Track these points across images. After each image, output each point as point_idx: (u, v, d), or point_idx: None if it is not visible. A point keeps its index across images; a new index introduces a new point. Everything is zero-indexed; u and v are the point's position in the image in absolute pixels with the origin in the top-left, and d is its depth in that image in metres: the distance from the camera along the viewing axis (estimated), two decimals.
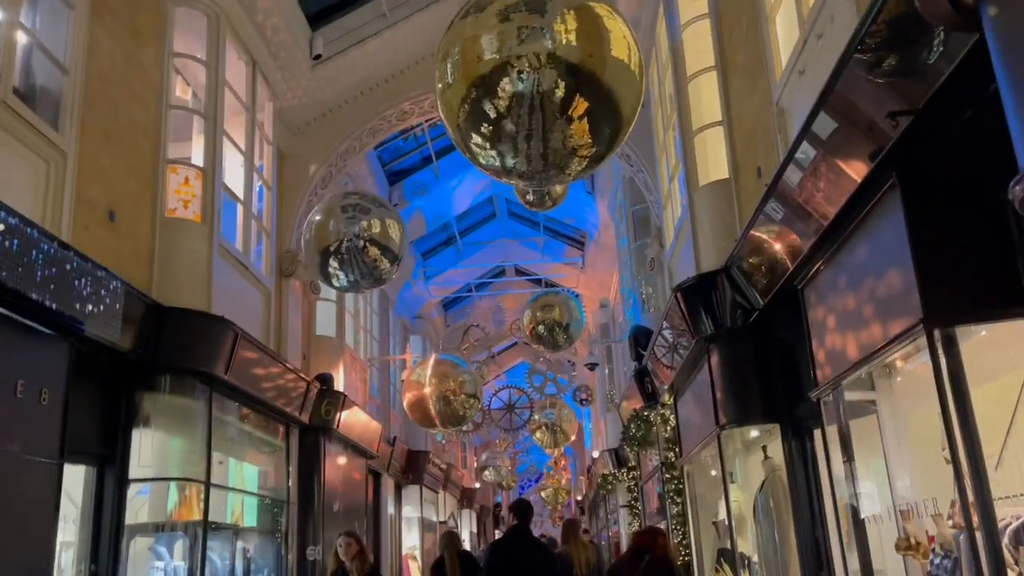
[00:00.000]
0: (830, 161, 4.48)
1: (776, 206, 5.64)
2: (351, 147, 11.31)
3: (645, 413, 11.01)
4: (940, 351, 3.74)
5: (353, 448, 12.64)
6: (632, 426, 11.96)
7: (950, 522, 4.26)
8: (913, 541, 4.90)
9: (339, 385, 11.53)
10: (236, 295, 8.11)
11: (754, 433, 7.56)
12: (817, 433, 6.42)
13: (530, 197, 8.99)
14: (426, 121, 13.86)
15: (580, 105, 2.99)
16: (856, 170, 4.20)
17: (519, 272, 20.49)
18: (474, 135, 3.11)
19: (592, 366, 14.69)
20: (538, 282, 21.47)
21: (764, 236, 5.99)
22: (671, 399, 9.96)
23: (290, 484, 9.63)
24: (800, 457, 6.48)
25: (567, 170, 3.22)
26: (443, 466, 21.05)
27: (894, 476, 5.07)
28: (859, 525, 5.12)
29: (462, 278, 19.52)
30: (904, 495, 5.03)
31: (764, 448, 7.15)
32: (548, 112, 2.96)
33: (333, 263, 7.33)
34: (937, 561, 4.46)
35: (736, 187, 7.07)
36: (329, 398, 10.91)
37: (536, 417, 21.11)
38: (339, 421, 11.09)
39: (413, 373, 12.06)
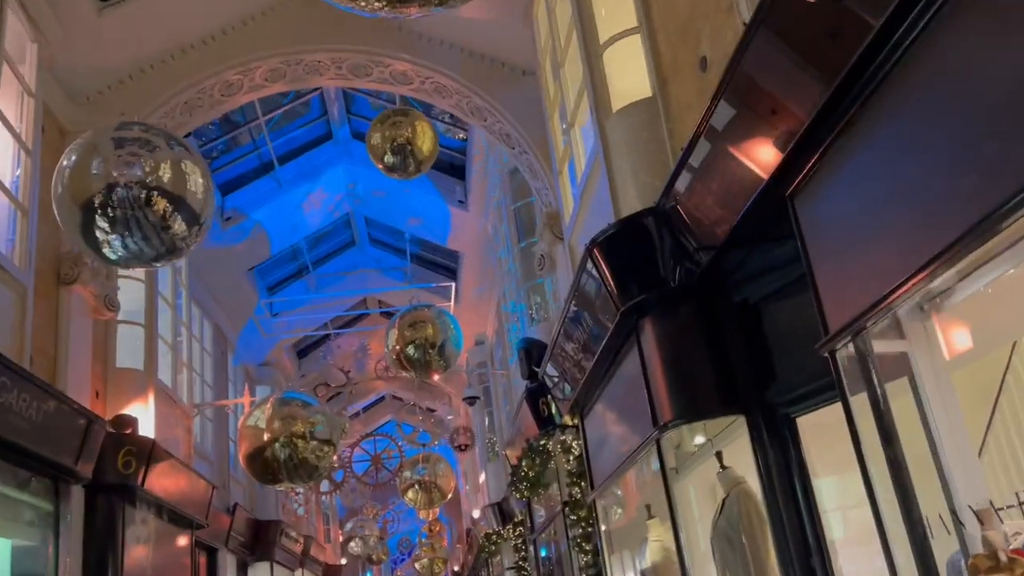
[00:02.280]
0: None
1: (745, 84, 3.88)
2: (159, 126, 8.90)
3: (541, 443, 8.97)
4: None
5: (172, 516, 9.85)
6: (524, 463, 9.86)
7: None
8: (1003, 557, 3.09)
9: (147, 431, 8.85)
10: None
11: (698, 439, 5.67)
12: (803, 421, 4.60)
13: (389, 159, 6.92)
14: (264, 116, 11.64)
15: None
16: None
17: (383, 305, 18.22)
18: None
19: (471, 400, 12.60)
20: None
21: (723, 139, 4.20)
22: (575, 419, 7.98)
23: (65, 565, 6.89)
24: (779, 457, 4.61)
25: None
26: (300, 539, 18.07)
27: (951, 464, 3.29)
28: (920, 542, 3.25)
29: (317, 316, 17.03)
30: (969, 489, 3.27)
31: (718, 455, 5.26)
32: None
33: (101, 222, 4.95)
34: None
35: (664, 101, 5.30)
36: (131, 446, 8.24)
37: (407, 474, 18.62)
38: (145, 478, 8.40)
39: (250, 416, 9.48)
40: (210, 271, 12.96)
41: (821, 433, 4.64)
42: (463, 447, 15.94)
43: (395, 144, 6.84)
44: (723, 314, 4.90)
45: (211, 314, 13.74)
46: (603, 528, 7.43)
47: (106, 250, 5.15)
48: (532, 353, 9.27)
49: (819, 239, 3.68)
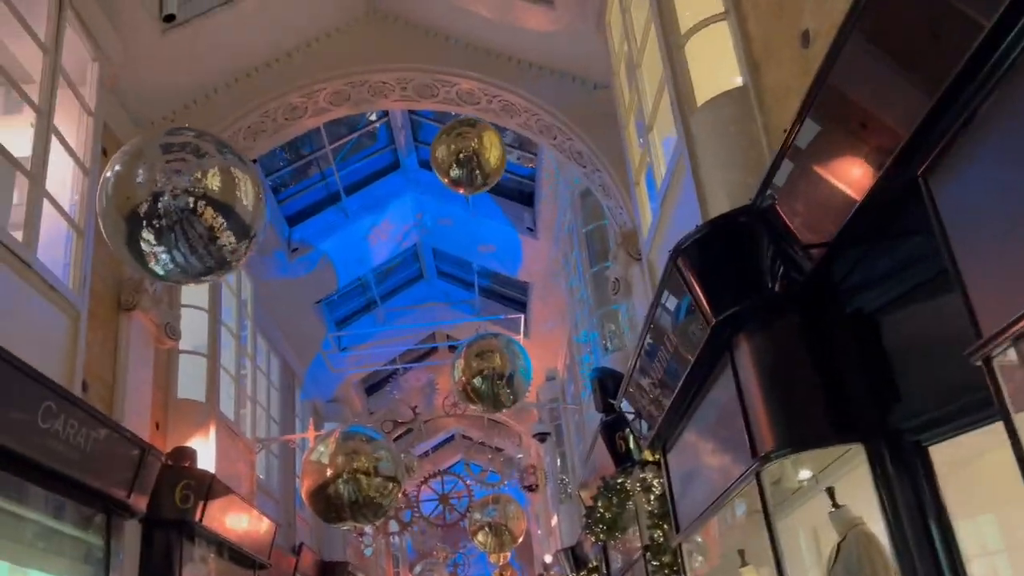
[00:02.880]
0: None
1: (864, 46, 3.31)
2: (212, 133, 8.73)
3: (619, 481, 8.29)
4: None
5: (232, 554, 9.48)
6: (600, 504, 9.18)
7: None
8: None
9: (207, 465, 8.53)
10: (5, 298, 5.30)
11: (803, 474, 4.97)
12: (936, 450, 3.89)
13: (455, 173, 6.50)
14: (331, 145, 11.46)
15: None
16: None
17: (451, 339, 17.81)
18: None
19: (542, 436, 11.96)
20: None
21: (835, 117, 3.62)
22: (657, 454, 7.31)
23: None
24: (909, 492, 3.89)
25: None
26: None
27: None
28: None
29: (384, 351, 16.71)
30: None
31: (830, 492, 4.56)
32: None
33: (147, 234, 4.63)
34: None
35: (757, 89, 4.73)
36: (189, 479, 7.90)
37: (477, 516, 17.98)
38: (204, 513, 8.04)
39: (313, 452, 9.10)
40: (277, 304, 12.77)
41: (959, 465, 3.92)
42: (533, 487, 15.26)
43: (461, 156, 6.43)
44: (834, 325, 4.24)
45: (278, 347, 13.53)
46: None
47: (153, 264, 4.82)
48: (607, 384, 8.66)
49: (964, 225, 3.04)
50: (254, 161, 10.24)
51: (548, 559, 20.48)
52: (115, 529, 6.58)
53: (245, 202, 4.79)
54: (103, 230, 4.72)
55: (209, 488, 8.10)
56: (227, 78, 8.63)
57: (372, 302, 16.00)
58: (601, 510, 9.31)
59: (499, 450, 22.97)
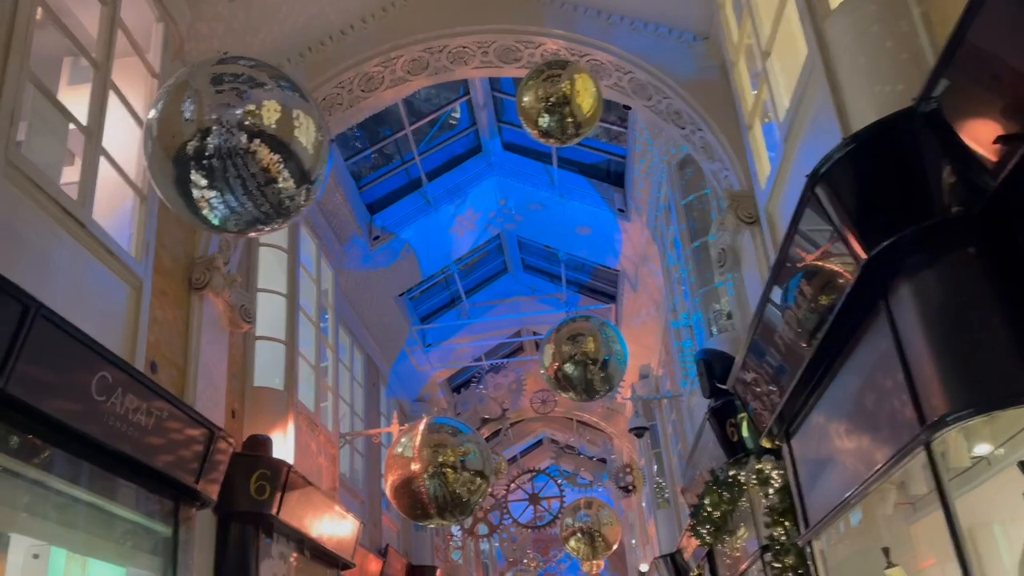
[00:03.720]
0: None
1: None
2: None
3: (730, 474, 7.41)
4: None
5: (314, 552, 8.99)
6: (707, 501, 8.29)
7: None
8: None
9: (285, 456, 8.06)
10: (56, 263, 4.87)
11: (979, 448, 4.05)
12: None
13: (545, 122, 5.80)
14: (411, 126, 10.97)
15: None
16: None
17: (536, 335, 17.11)
18: None
19: (639, 431, 11.10)
20: None
21: None
22: (779, 440, 6.42)
23: None
24: None
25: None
26: None
27: None
28: None
29: (469, 349, 16.14)
30: None
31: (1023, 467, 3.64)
32: None
33: (197, 176, 4.13)
34: None
35: None
36: (264, 469, 7.43)
37: (569, 521, 17.17)
38: (280, 506, 7.55)
39: (397, 445, 8.56)
40: (359, 296, 12.36)
41: None
42: (629, 488, 14.35)
43: (551, 102, 5.73)
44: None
45: (362, 342, 13.12)
46: None
47: (206, 211, 4.30)
48: (714, 367, 7.79)
49: None
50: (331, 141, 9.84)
51: (644, 568, 19.48)
52: (184, 518, 6.11)
53: (305, 142, 4.23)
54: (150, 176, 4.22)
55: (286, 479, 7.60)
56: (299, 48, 8.19)
57: (456, 297, 15.46)
58: (709, 508, 8.42)
59: (589, 458, 22.12)
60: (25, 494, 4.71)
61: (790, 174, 5.35)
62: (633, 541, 24.13)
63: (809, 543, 5.84)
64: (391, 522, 13.85)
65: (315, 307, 10.04)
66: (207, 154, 4.11)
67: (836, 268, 4.04)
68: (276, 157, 4.20)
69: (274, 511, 7.46)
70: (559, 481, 15.02)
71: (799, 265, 4.53)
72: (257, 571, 7.36)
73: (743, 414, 7.18)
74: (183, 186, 4.19)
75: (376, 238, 11.76)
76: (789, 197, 5.33)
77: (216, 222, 4.33)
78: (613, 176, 11.89)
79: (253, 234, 4.58)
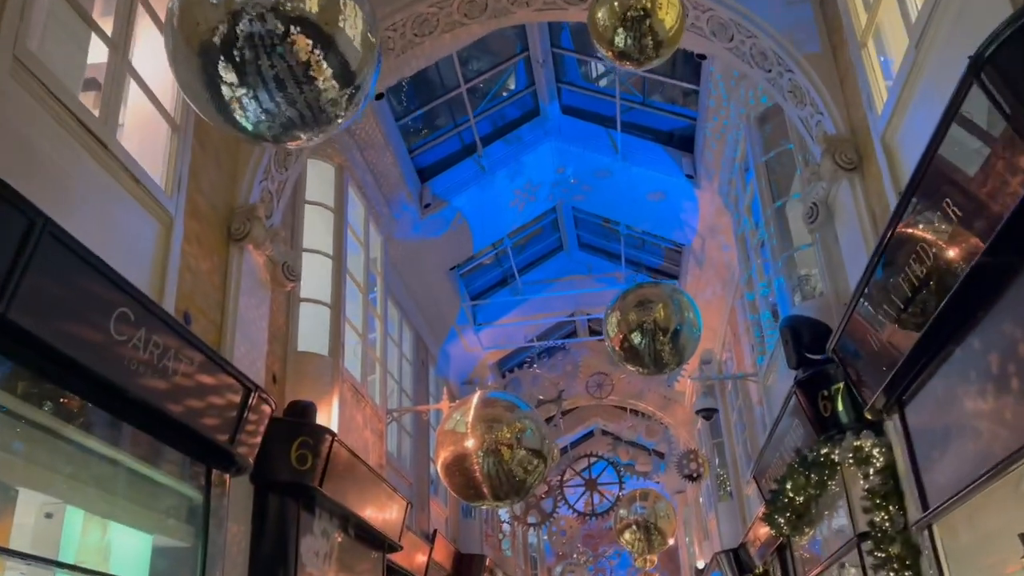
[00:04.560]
0: None
1: None
2: None
3: (822, 453, 6.59)
4: None
5: (359, 531, 8.41)
6: (789, 485, 7.47)
7: None
8: None
9: (328, 425, 7.48)
10: (72, 184, 4.31)
11: None
12: None
13: (620, 40, 5.07)
14: (465, 85, 10.31)
15: None
16: None
17: (593, 322, 16.36)
18: None
19: (708, 412, 10.26)
20: None
21: None
22: (884, 413, 5.61)
23: (220, 570, 5.48)
24: None
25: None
26: None
27: None
28: None
29: (522, 329, 15.45)
30: None
31: None
32: None
33: (226, 72, 3.50)
34: None
35: None
36: (306, 437, 6.85)
37: (623, 513, 16.39)
38: (323, 478, 6.97)
39: (448, 420, 7.93)
40: (409, 268, 11.76)
41: None
42: (693, 476, 13.51)
43: (628, 16, 5.01)
44: None
45: (411, 318, 12.53)
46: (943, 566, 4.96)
47: (238, 114, 3.67)
48: (802, 334, 6.99)
49: None
50: (379, 96, 9.24)
51: (701, 564, 18.62)
52: (216, 483, 5.53)
53: (351, 35, 3.58)
54: (173, 74, 3.61)
55: (330, 449, 7.01)
56: None
57: (509, 276, 14.79)
58: (790, 494, 7.60)
59: (645, 449, 21.26)
60: (34, 443, 4.17)
61: (918, 93, 4.55)
62: (686, 538, 23.23)
63: (929, 527, 5.03)
64: (439, 507, 13.26)
65: (363, 273, 9.46)
66: (237, 43, 3.48)
67: (999, 181, 3.25)
68: (316, 50, 3.56)
69: (316, 483, 6.88)
70: (619, 469, 14.21)
71: (941, 188, 3.74)
72: (297, 548, 6.80)
73: (838, 385, 6.38)
74: (211, 82, 3.57)
75: (427, 205, 11.14)
76: (918, 120, 4.53)
77: (248, 126, 3.70)
78: (678, 141, 11.08)
79: (291, 144, 3.92)
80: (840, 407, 6.36)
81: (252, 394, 5.63)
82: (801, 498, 7.53)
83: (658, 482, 17.51)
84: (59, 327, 3.81)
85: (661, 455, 19.28)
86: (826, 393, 6.45)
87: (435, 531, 12.21)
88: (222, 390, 5.31)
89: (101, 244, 4.32)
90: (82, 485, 4.54)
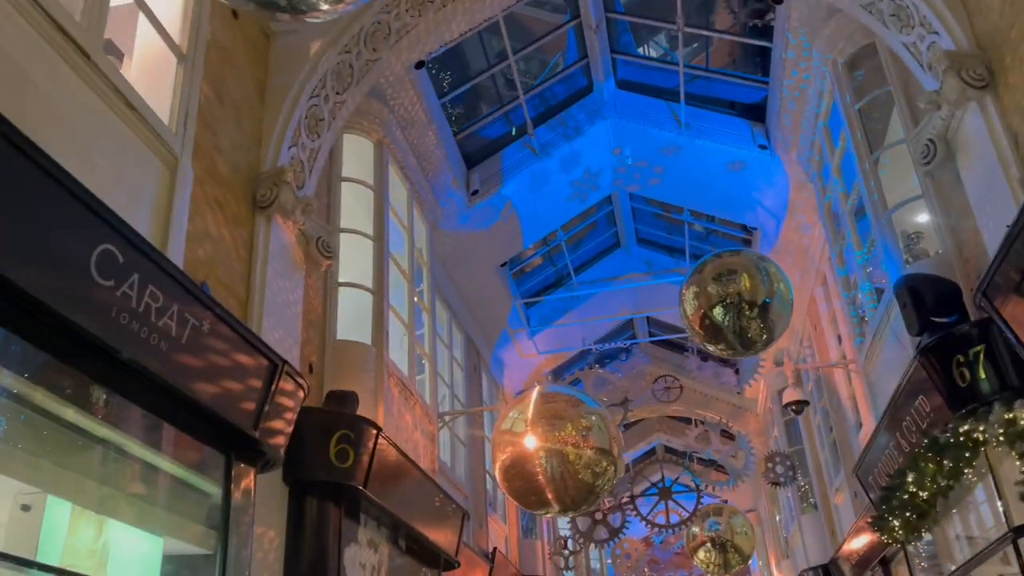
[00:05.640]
0: None
1: None
2: (384, 26, 6.95)
3: (962, 430, 5.46)
4: None
5: (411, 544, 7.47)
6: (911, 476, 6.32)
7: None
8: None
9: (374, 419, 6.58)
10: (44, 95, 3.52)
11: None
12: None
13: None
14: (514, 57, 9.50)
15: None
16: None
17: (652, 323, 15.29)
18: None
19: (798, 406, 9.10)
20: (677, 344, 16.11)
21: None
22: None
23: None
24: None
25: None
26: None
27: None
28: None
29: (578, 335, 14.42)
30: None
31: None
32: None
33: None
34: None
35: None
36: (347, 430, 5.96)
37: (696, 531, 15.14)
38: (368, 478, 6.06)
39: (506, 419, 7.02)
40: (457, 265, 10.91)
41: None
42: (777, 482, 12.27)
43: None
44: None
45: (461, 320, 11.66)
46: None
47: None
48: (923, 294, 5.91)
49: None
50: (420, 65, 8.45)
51: None
52: (238, 476, 4.65)
53: None
54: None
55: (375, 446, 6.12)
56: None
57: (564, 275, 13.84)
58: (912, 488, 6.45)
59: (713, 463, 19.91)
60: (4, 415, 3.33)
61: None
62: (759, 561, 21.72)
63: None
64: (498, 524, 12.26)
65: (408, 262, 8.61)
66: None
67: None
68: None
69: (360, 484, 5.98)
70: (697, 485, 12.99)
71: None
72: (340, 559, 5.88)
73: (978, 348, 5.29)
74: None
75: (474, 193, 10.29)
76: None
77: None
78: (747, 111, 10.08)
79: (309, 17, 3.08)
80: (982, 374, 5.26)
81: (279, 370, 4.77)
82: (926, 493, 6.38)
83: (725, 500, 16.21)
84: (18, 259, 2.99)
85: (725, 472, 17.96)
86: (962, 359, 5.36)
87: (495, 549, 11.19)
88: (241, 362, 4.45)
89: (86, 174, 3.51)
90: (67, 471, 3.70)
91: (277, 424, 4.88)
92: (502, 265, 12.08)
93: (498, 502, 12.73)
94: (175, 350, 3.88)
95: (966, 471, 5.76)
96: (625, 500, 12.59)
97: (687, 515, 13.03)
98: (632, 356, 15.65)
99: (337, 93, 6.85)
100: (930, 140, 5.91)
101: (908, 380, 6.06)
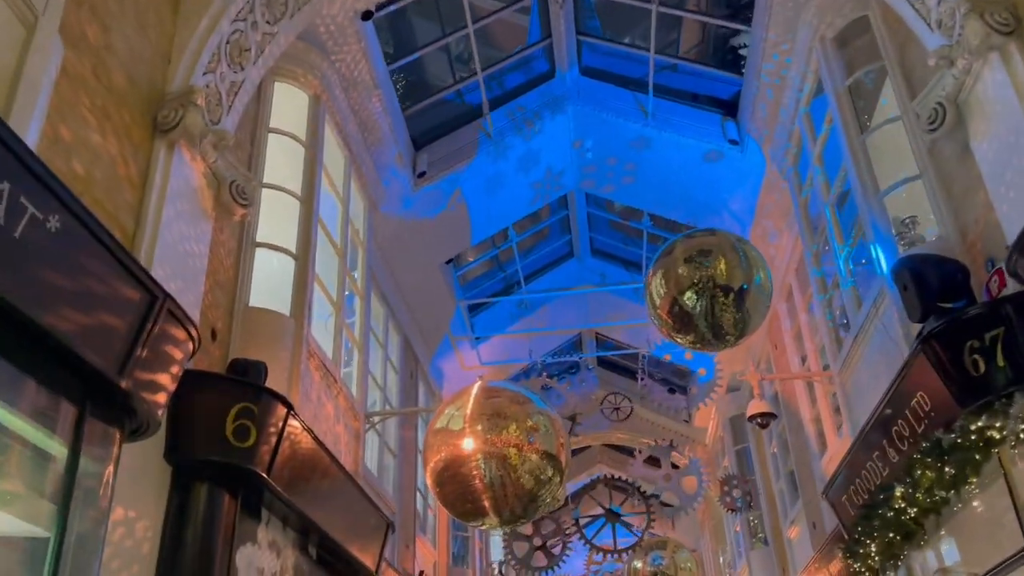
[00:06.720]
0: None
1: None
2: None
3: (974, 428, 4.70)
4: None
5: (323, 550, 6.40)
6: (898, 491, 5.54)
7: None
8: None
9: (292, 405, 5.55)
10: None
11: None
12: None
13: None
14: (474, 26, 8.72)
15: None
16: None
17: (601, 339, 14.50)
18: None
19: (764, 419, 8.22)
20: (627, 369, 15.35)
21: None
22: None
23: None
24: None
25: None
26: None
27: None
28: None
29: (524, 348, 13.52)
30: None
31: None
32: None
33: None
34: None
35: None
36: (249, 403, 4.93)
37: (638, 565, 14.21)
38: (273, 464, 5.02)
39: (441, 417, 6.02)
40: (397, 254, 9.95)
41: None
42: (733, 508, 11.42)
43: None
44: None
45: (399, 318, 10.66)
46: None
47: None
48: (927, 277, 5.20)
49: None
50: (367, 15, 7.59)
51: None
52: (96, 441, 3.60)
53: None
54: None
55: (284, 426, 5.10)
56: None
57: (514, 283, 12.98)
58: (899, 503, 5.68)
59: (655, 497, 19.05)
60: None
61: None
62: None
63: None
64: (427, 547, 11.15)
65: (340, 234, 7.64)
66: None
67: None
68: None
69: (262, 469, 4.95)
70: (648, 499, 12.07)
71: None
72: (231, 559, 4.81)
73: (997, 331, 4.56)
74: None
75: (421, 175, 9.39)
76: None
77: None
78: (723, 105, 9.44)
79: None
80: (1000, 361, 4.52)
81: (159, 306, 3.76)
82: (916, 509, 5.61)
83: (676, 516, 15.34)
84: None
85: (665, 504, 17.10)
86: (977, 344, 4.62)
87: (421, 572, 10.10)
88: (107, 285, 3.45)
89: None
90: None
91: (154, 377, 3.85)
92: (447, 262, 11.16)
93: (428, 524, 11.66)
94: (5, 247, 2.88)
95: (970, 478, 5.01)
96: (569, 526, 11.60)
97: (639, 534, 12.05)
98: (581, 377, 14.80)
99: (268, 23, 5.93)
100: (938, 104, 5.25)
101: (904, 377, 5.31)
